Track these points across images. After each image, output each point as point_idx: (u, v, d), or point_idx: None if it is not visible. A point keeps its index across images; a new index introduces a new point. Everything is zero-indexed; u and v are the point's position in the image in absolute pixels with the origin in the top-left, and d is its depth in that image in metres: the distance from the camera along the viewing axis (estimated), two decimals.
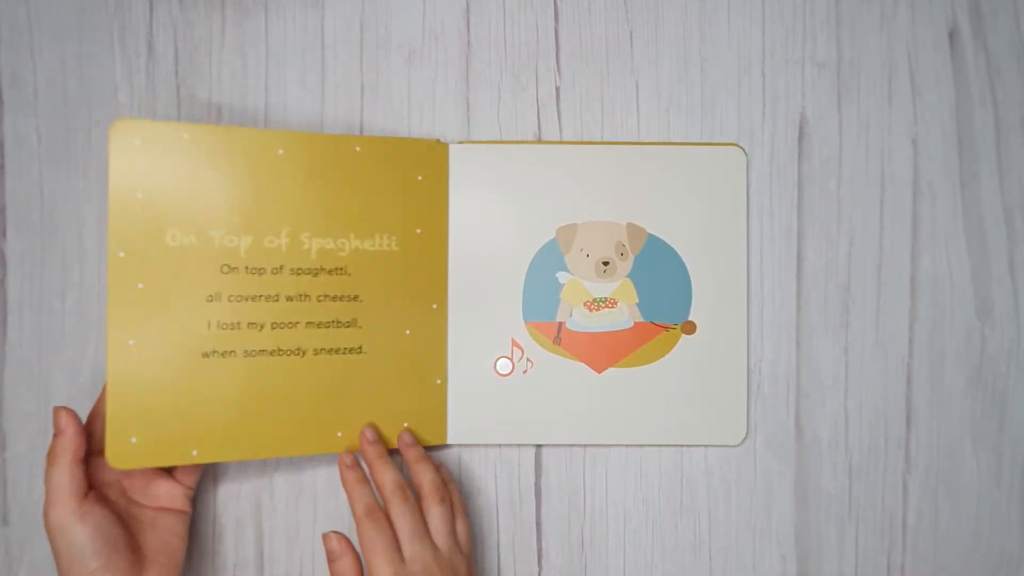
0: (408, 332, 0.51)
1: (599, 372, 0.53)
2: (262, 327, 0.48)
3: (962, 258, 0.54)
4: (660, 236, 0.54)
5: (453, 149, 0.53)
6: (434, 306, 0.52)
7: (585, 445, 0.54)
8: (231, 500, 0.54)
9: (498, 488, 0.54)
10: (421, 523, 0.47)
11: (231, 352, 0.47)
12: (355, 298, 0.50)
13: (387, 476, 0.48)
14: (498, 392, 0.53)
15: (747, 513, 0.54)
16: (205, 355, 0.47)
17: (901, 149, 0.54)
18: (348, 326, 0.50)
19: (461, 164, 0.53)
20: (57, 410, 0.45)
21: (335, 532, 0.48)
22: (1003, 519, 0.53)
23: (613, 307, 0.53)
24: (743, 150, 0.54)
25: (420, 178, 0.52)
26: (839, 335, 0.54)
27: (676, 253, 0.53)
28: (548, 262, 0.53)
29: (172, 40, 0.54)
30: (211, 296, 0.47)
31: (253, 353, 0.48)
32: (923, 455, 0.54)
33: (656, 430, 0.53)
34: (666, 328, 0.53)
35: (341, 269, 0.50)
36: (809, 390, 0.54)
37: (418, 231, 0.52)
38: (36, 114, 0.54)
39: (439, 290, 0.53)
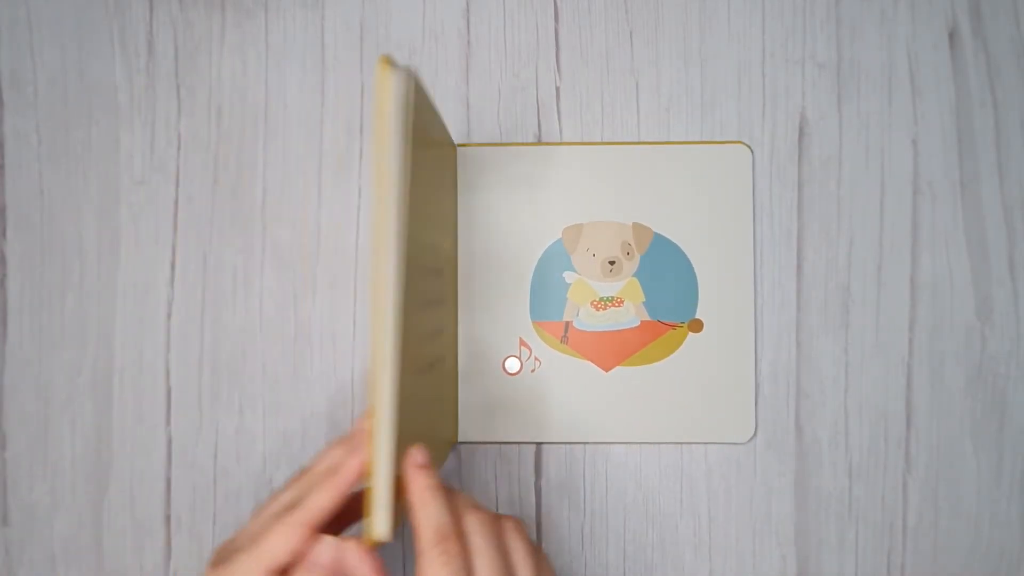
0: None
1: (606, 371, 0.53)
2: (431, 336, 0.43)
3: (962, 258, 0.54)
4: (666, 235, 0.54)
5: (459, 151, 0.53)
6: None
7: (596, 443, 0.53)
8: (231, 500, 0.54)
9: (498, 487, 0.54)
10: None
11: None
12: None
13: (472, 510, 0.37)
14: (507, 390, 0.53)
15: (747, 513, 0.54)
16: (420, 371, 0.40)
17: (901, 149, 0.54)
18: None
19: (466, 164, 0.53)
20: (353, 454, 0.36)
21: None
22: (1003, 519, 0.53)
23: (620, 306, 0.53)
24: (748, 148, 0.54)
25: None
26: (839, 335, 0.54)
27: (682, 252, 0.53)
28: (554, 262, 0.54)
29: (172, 40, 0.54)
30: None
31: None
32: (923, 455, 0.54)
33: (664, 428, 0.53)
34: (673, 327, 0.53)
35: (439, 270, 0.47)
36: (809, 390, 0.54)
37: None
38: (36, 114, 0.54)
39: (452, 290, 0.53)
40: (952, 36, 0.54)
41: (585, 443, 0.53)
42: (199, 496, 0.54)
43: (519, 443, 0.53)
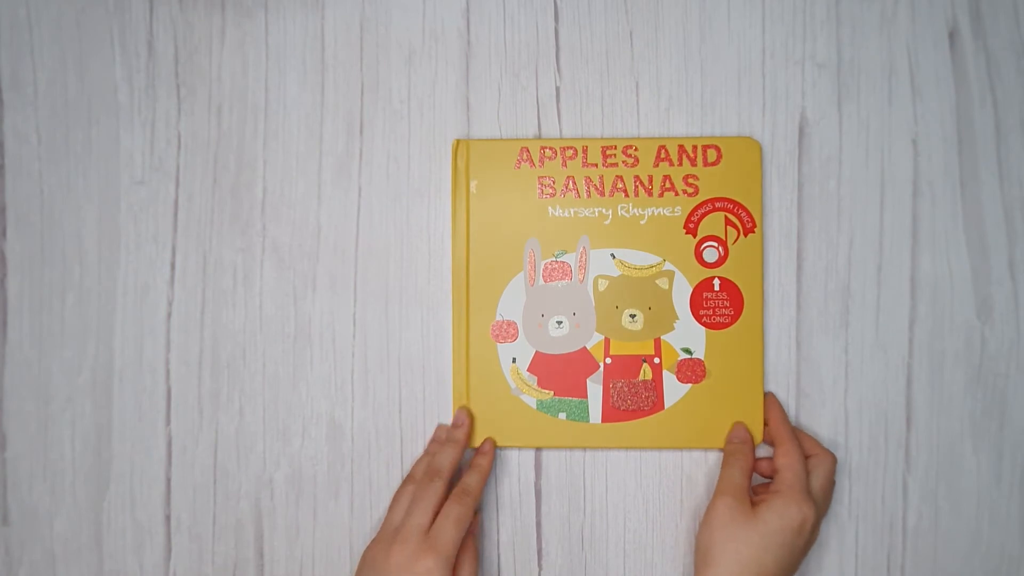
0: None
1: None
2: None
3: (962, 258, 0.54)
4: None
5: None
6: None
7: (593, 448, 0.53)
8: (231, 500, 0.54)
9: (498, 488, 0.54)
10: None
11: None
12: None
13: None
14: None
15: None
16: None
17: (901, 149, 0.54)
18: None
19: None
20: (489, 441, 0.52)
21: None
22: (1003, 519, 0.53)
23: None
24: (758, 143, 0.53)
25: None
26: (839, 335, 0.54)
27: None
28: None
29: (172, 40, 0.54)
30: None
31: None
32: (923, 455, 0.54)
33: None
34: None
35: None
36: (809, 390, 0.54)
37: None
38: (36, 114, 0.54)
39: None
40: (952, 36, 0.54)
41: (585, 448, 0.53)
42: (199, 496, 0.54)
43: (519, 448, 0.53)
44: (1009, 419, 0.53)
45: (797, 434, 0.51)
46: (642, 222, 0.53)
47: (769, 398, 0.53)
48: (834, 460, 0.51)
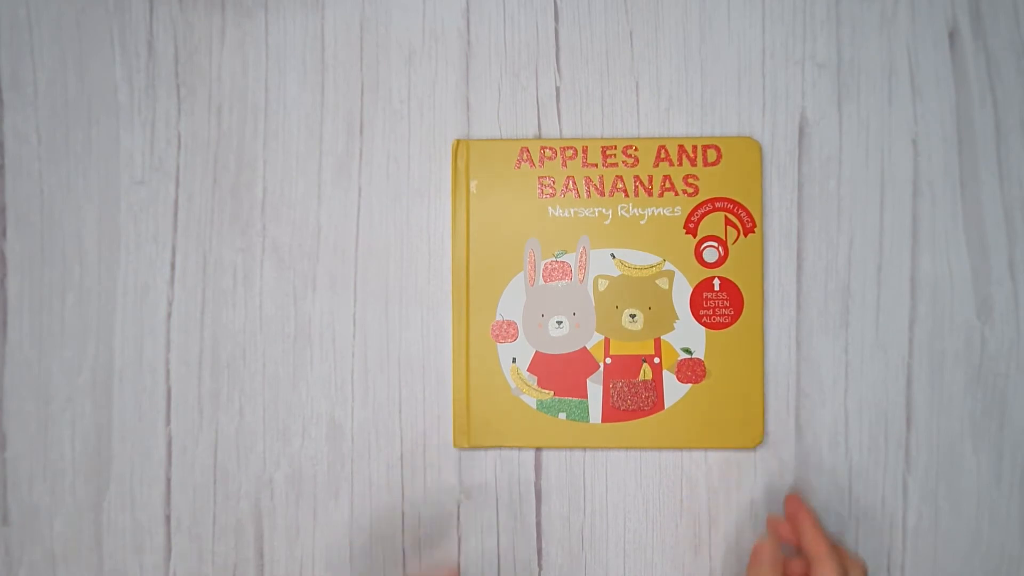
0: None
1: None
2: None
3: (962, 258, 0.54)
4: None
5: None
6: None
7: (593, 448, 0.54)
8: (231, 500, 0.54)
9: (498, 488, 0.54)
10: None
11: None
12: None
13: None
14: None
15: (747, 513, 0.54)
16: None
17: (901, 149, 0.54)
18: None
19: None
20: None
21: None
22: (1003, 519, 0.53)
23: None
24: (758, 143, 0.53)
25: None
26: (839, 335, 0.54)
27: None
28: None
29: (172, 40, 0.54)
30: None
31: None
32: (923, 455, 0.54)
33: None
34: None
35: None
36: (809, 390, 0.54)
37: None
38: (36, 114, 0.54)
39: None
40: (952, 36, 0.54)
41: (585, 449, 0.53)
42: (199, 496, 0.54)
43: (519, 447, 0.53)
44: (1009, 419, 0.53)
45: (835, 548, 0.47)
46: (642, 222, 0.53)
47: (794, 502, 0.50)
48: (866, 570, 0.48)
